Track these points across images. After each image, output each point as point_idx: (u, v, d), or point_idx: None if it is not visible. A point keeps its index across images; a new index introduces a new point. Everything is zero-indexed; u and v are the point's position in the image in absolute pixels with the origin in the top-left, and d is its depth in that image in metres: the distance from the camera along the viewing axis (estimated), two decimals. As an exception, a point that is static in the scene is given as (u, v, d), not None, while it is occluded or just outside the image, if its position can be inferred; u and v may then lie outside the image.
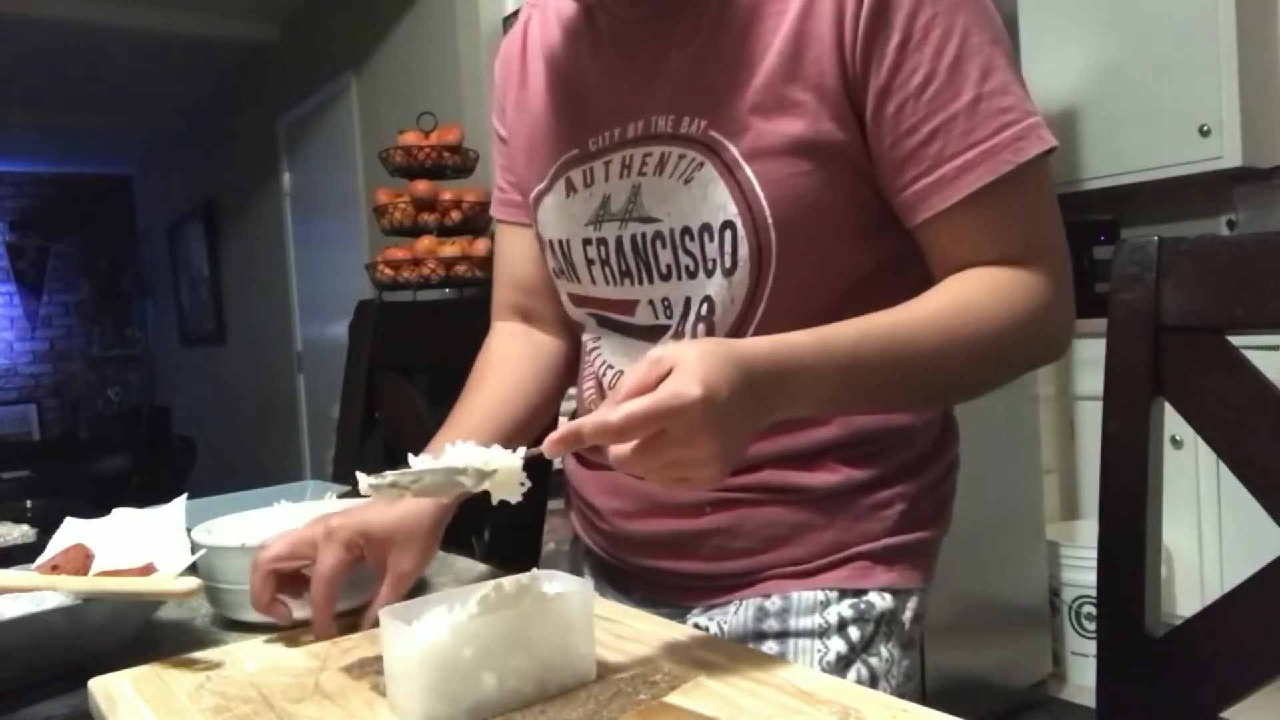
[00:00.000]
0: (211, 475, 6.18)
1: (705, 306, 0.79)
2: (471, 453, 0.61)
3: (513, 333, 1.00)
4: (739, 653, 0.62)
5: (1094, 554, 0.77)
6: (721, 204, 0.76)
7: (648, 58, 0.80)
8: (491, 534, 1.36)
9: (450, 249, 3.04)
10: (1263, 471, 0.68)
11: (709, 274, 0.78)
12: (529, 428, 0.93)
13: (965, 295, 0.72)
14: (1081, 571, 2.56)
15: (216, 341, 6.34)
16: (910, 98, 0.71)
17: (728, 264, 0.77)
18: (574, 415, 0.96)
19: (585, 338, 0.93)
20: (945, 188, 0.71)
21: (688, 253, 0.79)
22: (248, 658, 0.67)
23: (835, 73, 0.72)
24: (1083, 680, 2.57)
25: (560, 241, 0.88)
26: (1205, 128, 2.63)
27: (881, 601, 0.79)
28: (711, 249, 0.77)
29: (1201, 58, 2.63)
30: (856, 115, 0.73)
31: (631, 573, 0.89)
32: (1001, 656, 2.49)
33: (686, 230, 0.78)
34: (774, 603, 0.80)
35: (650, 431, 0.56)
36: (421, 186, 3.05)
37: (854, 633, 0.78)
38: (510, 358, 0.97)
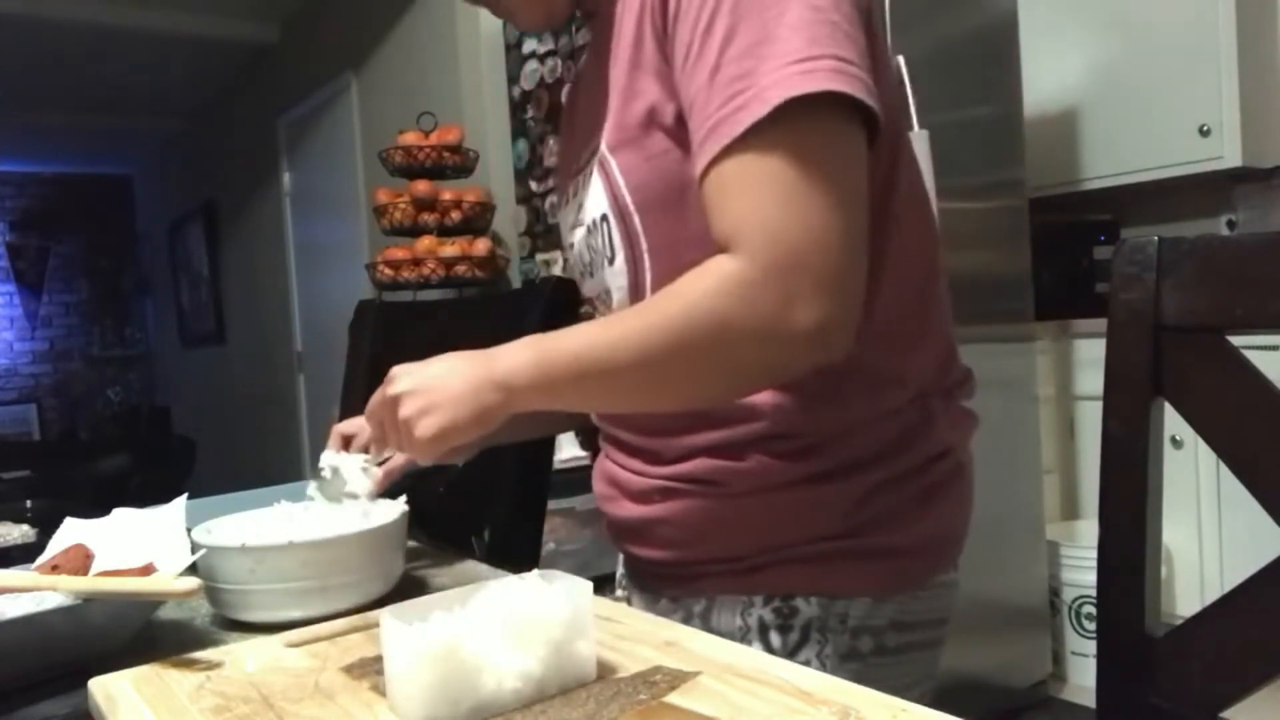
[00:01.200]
0: (211, 475, 6.19)
1: (607, 296, 0.85)
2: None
3: None
4: (739, 652, 0.62)
5: (1094, 554, 0.77)
6: (599, 198, 0.80)
7: (599, 76, 0.84)
8: (491, 534, 1.36)
9: (450, 249, 3.04)
10: (1263, 471, 0.68)
11: (601, 266, 0.84)
12: None
13: (658, 298, 0.71)
14: (1081, 571, 2.56)
15: (216, 341, 6.34)
16: (679, 71, 0.72)
17: (609, 253, 0.81)
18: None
19: None
20: (696, 166, 0.70)
21: (592, 249, 0.84)
22: (248, 658, 0.67)
23: (659, 53, 0.74)
24: (1083, 680, 2.57)
25: (565, 246, 0.96)
26: (1205, 128, 2.63)
27: (807, 607, 0.77)
28: (599, 241, 0.82)
29: (1201, 58, 2.63)
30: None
31: (621, 554, 0.95)
32: (1001, 656, 2.49)
33: (589, 229, 0.84)
34: (700, 604, 0.81)
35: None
36: (421, 186, 3.05)
37: (775, 639, 0.77)
38: None
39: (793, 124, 0.64)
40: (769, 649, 0.76)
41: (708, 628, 0.79)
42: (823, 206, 0.65)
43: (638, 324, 0.70)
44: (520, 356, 0.74)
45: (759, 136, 0.65)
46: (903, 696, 0.79)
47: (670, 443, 0.82)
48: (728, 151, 0.66)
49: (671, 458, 0.82)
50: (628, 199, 0.77)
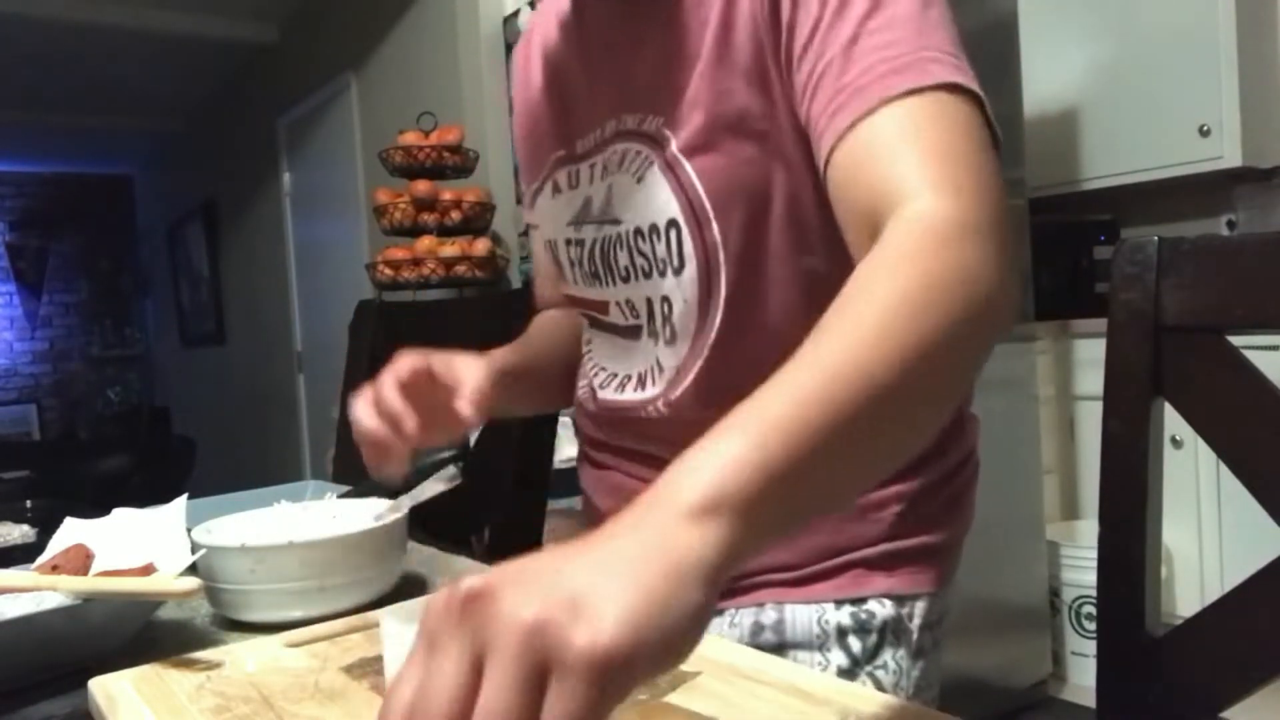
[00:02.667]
0: (211, 475, 6.18)
1: (666, 306, 0.78)
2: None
3: (550, 312, 1.04)
4: (739, 653, 0.62)
5: (1094, 554, 0.77)
6: (665, 202, 0.75)
7: (625, 57, 0.79)
8: (491, 534, 1.36)
9: (450, 249, 3.04)
10: (1263, 471, 0.68)
11: (662, 274, 0.77)
12: (566, 368, 0.98)
13: (865, 281, 0.53)
14: (1081, 571, 2.56)
15: (216, 341, 6.34)
16: (801, 53, 0.67)
17: (675, 263, 0.75)
18: (574, 418, 0.98)
19: (584, 337, 0.94)
20: (822, 139, 0.65)
21: (641, 254, 0.78)
22: (248, 658, 0.67)
23: (755, 51, 0.70)
24: (1083, 680, 2.57)
25: (550, 241, 0.89)
26: (1205, 128, 2.63)
27: (882, 609, 0.78)
28: (660, 248, 0.76)
29: (1201, 58, 2.63)
30: (784, 92, 0.70)
31: None
32: (1001, 656, 2.49)
33: (639, 231, 0.77)
34: (769, 615, 0.78)
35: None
36: (421, 186, 3.05)
37: (855, 644, 0.77)
38: (547, 319, 1.03)
39: (950, 101, 0.61)
40: (849, 654, 0.76)
41: (782, 639, 0.77)
42: (995, 174, 0.59)
43: (870, 316, 0.49)
44: (719, 452, 0.41)
45: (921, 98, 0.60)
46: (935, 691, 0.81)
47: None
48: (884, 104, 0.60)
49: None
50: (707, 206, 0.73)
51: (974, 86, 0.62)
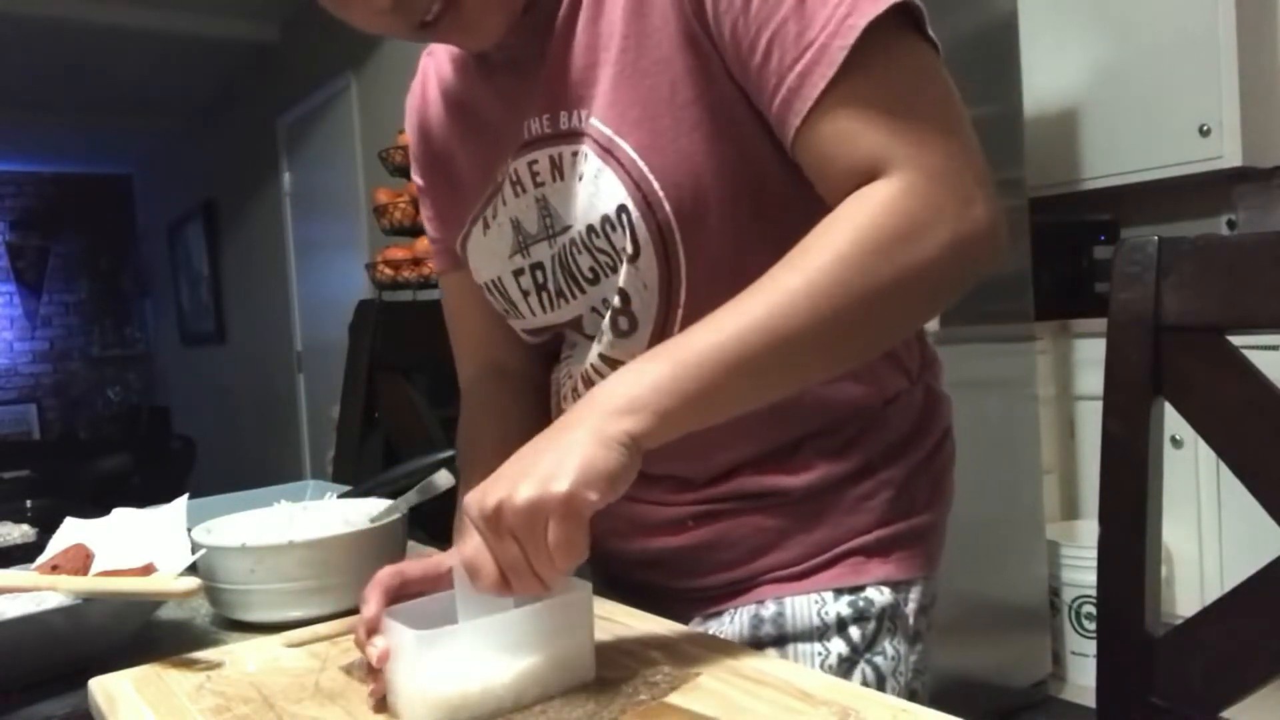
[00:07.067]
0: (211, 475, 6.19)
1: (619, 298, 0.74)
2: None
3: (484, 398, 0.92)
4: (739, 653, 0.62)
5: (1094, 554, 0.77)
6: (612, 191, 0.71)
7: (532, 71, 0.77)
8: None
9: (450, 249, 3.04)
10: (1263, 471, 0.68)
11: (609, 271, 0.74)
12: None
13: (806, 248, 0.63)
14: (1081, 571, 2.57)
15: (216, 341, 6.34)
16: (739, 16, 0.65)
17: (630, 250, 0.72)
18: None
19: (567, 341, 0.88)
20: (794, 102, 0.64)
21: (601, 250, 0.74)
22: (248, 658, 0.67)
23: (678, 16, 0.69)
24: (1083, 680, 2.57)
25: (494, 281, 0.85)
26: (1205, 128, 2.63)
27: (880, 596, 0.77)
28: (617, 238, 0.72)
29: (1201, 58, 2.63)
30: (720, 57, 0.69)
31: (627, 588, 0.86)
32: (1001, 656, 2.49)
33: (592, 229, 0.74)
34: (768, 608, 0.78)
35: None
36: (421, 186, 3.05)
37: (854, 633, 0.76)
38: (496, 417, 0.90)
39: (899, 37, 0.63)
40: (850, 643, 0.76)
41: (781, 631, 0.77)
42: (952, 106, 0.65)
43: (798, 281, 0.61)
44: (643, 373, 0.61)
45: (881, 42, 0.61)
46: (928, 677, 0.81)
47: (699, 466, 0.79)
48: (854, 62, 0.61)
49: (705, 481, 0.80)
50: (654, 184, 0.69)
51: None
